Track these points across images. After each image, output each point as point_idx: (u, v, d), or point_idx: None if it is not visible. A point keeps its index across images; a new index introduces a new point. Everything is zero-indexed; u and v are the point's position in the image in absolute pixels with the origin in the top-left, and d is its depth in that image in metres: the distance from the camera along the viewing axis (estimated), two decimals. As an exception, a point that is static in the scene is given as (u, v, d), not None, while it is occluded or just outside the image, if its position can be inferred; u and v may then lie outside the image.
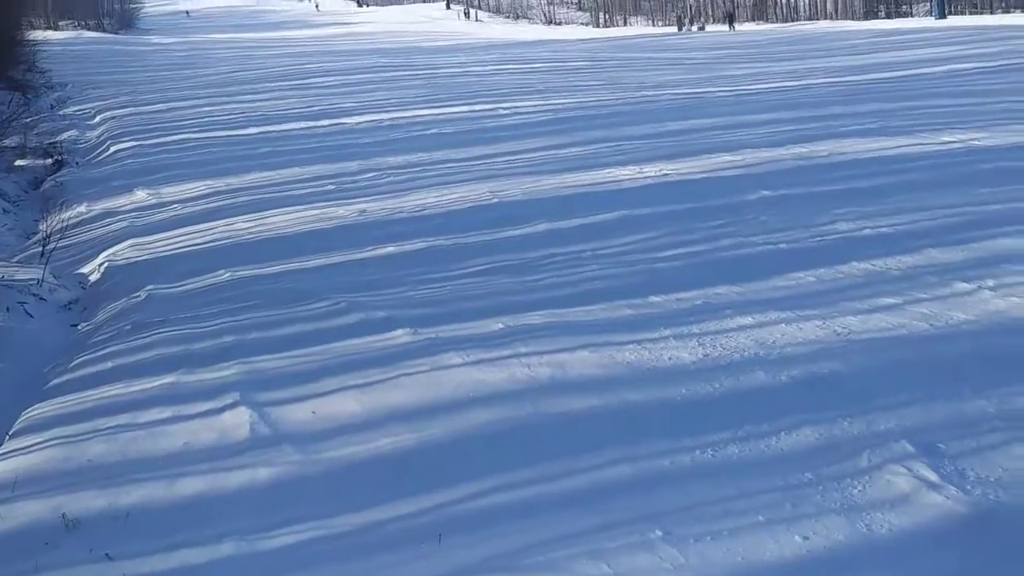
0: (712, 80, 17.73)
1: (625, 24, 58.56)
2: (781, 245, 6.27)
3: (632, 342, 4.73)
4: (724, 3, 48.75)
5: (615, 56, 26.80)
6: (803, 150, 9.43)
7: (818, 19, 47.06)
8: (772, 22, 48.84)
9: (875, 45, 25.45)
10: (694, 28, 45.97)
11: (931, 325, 4.74)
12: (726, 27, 44.30)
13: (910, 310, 4.95)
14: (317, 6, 59.18)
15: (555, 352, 4.64)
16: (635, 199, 7.87)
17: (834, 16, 47.77)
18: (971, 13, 41.93)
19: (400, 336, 5.02)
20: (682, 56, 25.76)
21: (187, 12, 71.85)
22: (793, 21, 48.15)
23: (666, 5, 56.36)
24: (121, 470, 3.65)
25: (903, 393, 3.99)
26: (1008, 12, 41.07)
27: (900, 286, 5.31)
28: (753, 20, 50.30)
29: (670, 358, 4.55)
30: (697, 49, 28.89)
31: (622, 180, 8.71)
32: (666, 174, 8.79)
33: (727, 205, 7.39)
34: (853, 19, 45.26)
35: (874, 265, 5.72)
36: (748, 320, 4.96)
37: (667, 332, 4.86)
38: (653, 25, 55.34)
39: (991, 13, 42.05)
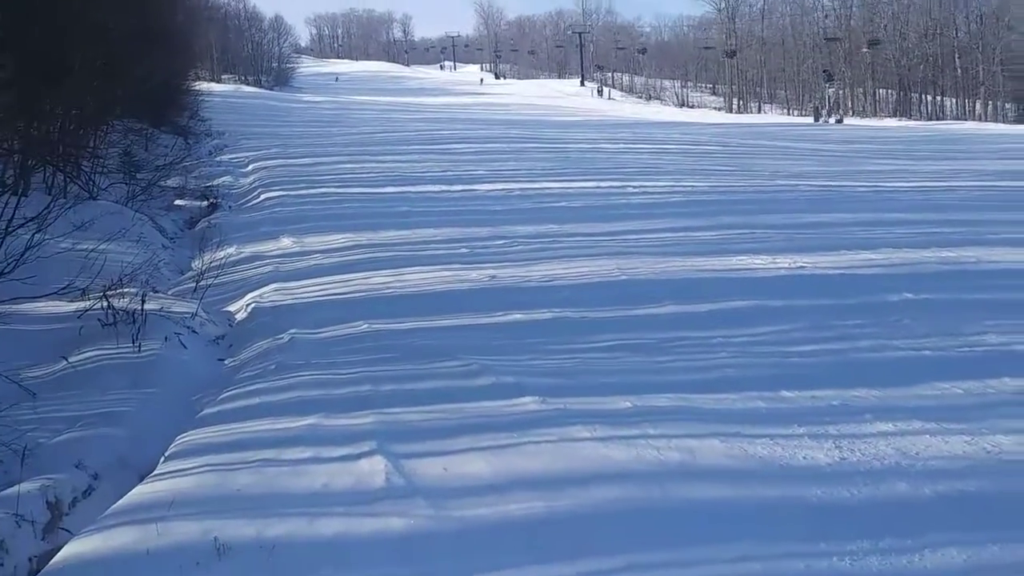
0: (851, 174, 17.35)
1: (759, 111, 58.32)
2: (925, 352, 6.02)
3: (764, 436, 4.64)
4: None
5: (748, 142, 26.68)
6: (949, 254, 9.07)
7: (965, 120, 45.45)
8: (916, 119, 47.47)
9: (1028, 150, 24.29)
10: (831, 119, 45.22)
11: (1095, 453, 4.43)
12: (872, 120, 43.33)
13: (1070, 435, 4.64)
14: (482, 80, 62.34)
15: (684, 437, 4.60)
16: (768, 289, 7.75)
17: (983, 118, 45.98)
18: None
19: (529, 403, 5.10)
20: (819, 147, 25.37)
21: (336, 77, 76.92)
22: (938, 120, 46.66)
23: (803, 95, 55.83)
24: (267, 503, 3.85)
25: (1063, 524, 3.73)
26: None
27: (1059, 409, 5.00)
28: (895, 116, 49.08)
29: (805, 457, 4.42)
30: (835, 141, 28.38)
31: (755, 269, 8.61)
32: (802, 266, 8.63)
33: (867, 304, 7.18)
34: (1004, 122, 43.44)
35: (1028, 383, 5.41)
36: (889, 427, 4.78)
37: (801, 430, 4.74)
38: (788, 114, 54.86)
39: None
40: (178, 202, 15.10)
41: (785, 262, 8.82)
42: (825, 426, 4.78)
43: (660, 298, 7.51)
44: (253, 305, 8.08)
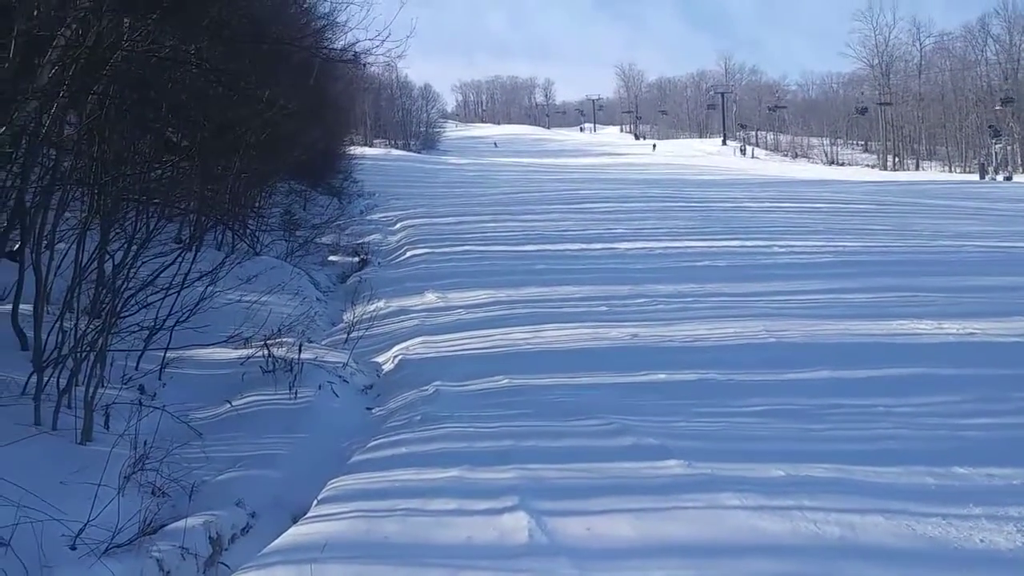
0: (1022, 235, 16.06)
1: (917, 168, 55.42)
2: (1122, 431, 5.39)
3: (935, 515, 4.26)
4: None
5: (905, 200, 25.31)
6: None
7: None
8: (1095, 176, 43.59)
9: None
10: (999, 177, 42.29)
11: None
12: None
13: None
14: (654, 146, 63.29)
15: (844, 512, 4.29)
16: (935, 356, 7.22)
17: None
18: None
19: (673, 467, 4.94)
20: (985, 206, 23.71)
21: (495, 143, 79.80)
22: (1122, 176, 42.65)
23: (966, 151, 52.68)
24: (413, 552, 3.90)
25: None
26: None
27: None
28: (1070, 172, 45.31)
29: (982, 540, 4.02)
30: (1004, 200, 26.45)
31: (919, 334, 8.06)
32: (972, 333, 8.00)
33: (1050, 375, 6.54)
34: None
35: None
36: (1080, 511, 4.27)
37: (977, 511, 4.32)
38: (950, 171, 51.81)
39: None
40: (332, 258, 16.00)
41: (953, 328, 8.21)
42: (1005, 507, 4.33)
43: (813, 363, 7.14)
44: (400, 357, 8.35)
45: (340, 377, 7.54)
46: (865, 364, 7.02)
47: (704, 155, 65.25)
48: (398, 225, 20.47)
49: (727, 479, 4.72)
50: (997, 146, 45.76)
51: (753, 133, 74.99)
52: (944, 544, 4.00)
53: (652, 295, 10.64)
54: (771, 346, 7.87)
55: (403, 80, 75.95)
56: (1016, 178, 42.08)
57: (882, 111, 58.92)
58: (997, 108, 50.69)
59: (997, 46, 53.62)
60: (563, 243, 16.17)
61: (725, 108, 76.14)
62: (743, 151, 68.08)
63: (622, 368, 7.29)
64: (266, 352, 7.36)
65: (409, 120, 77.16)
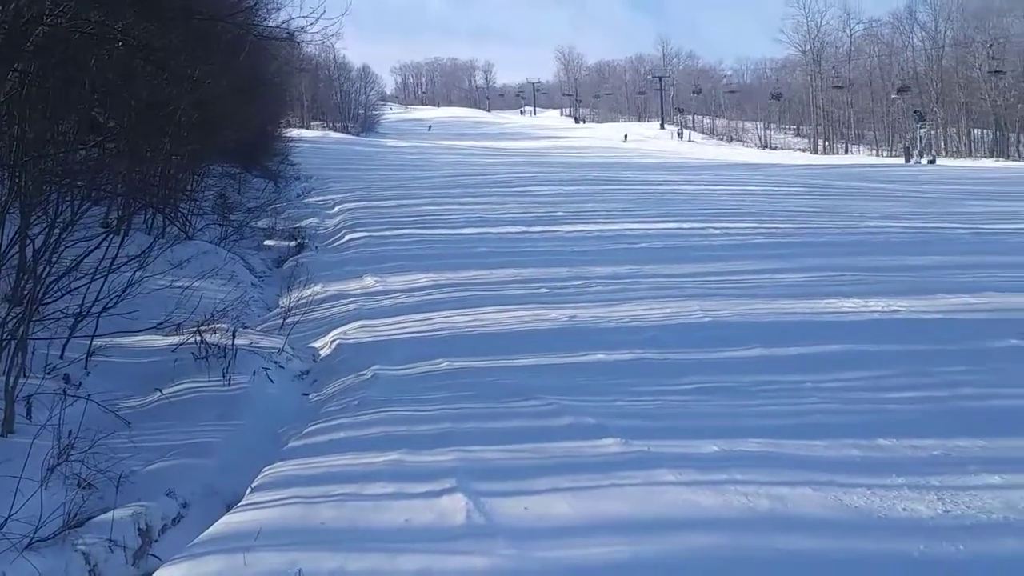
0: (946, 216, 16.70)
1: (846, 152, 57.02)
2: (1035, 401, 5.66)
3: (860, 486, 4.41)
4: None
5: (835, 183, 26.03)
6: (1059, 299, 8.57)
7: (1069, 158, 43.35)
8: (1014, 160, 45.53)
9: None
10: (924, 160, 43.80)
11: None
12: (967, 161, 41.93)
13: None
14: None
15: (775, 484, 4.41)
16: (860, 334, 7.46)
17: (1088, 156, 43.77)
18: None
19: (611, 445, 5.00)
20: (911, 188, 24.56)
21: (429, 126, 79.34)
22: (1038, 159, 44.64)
23: (892, 135, 54.37)
24: (350, 537, 3.87)
25: None
26: None
27: None
28: (992, 156, 47.21)
29: (904, 509, 4.18)
30: (928, 182, 27.43)
31: (846, 312, 8.31)
32: (896, 310, 8.29)
33: (969, 351, 6.82)
34: (1111, 161, 41.23)
35: None
36: (996, 479, 4.48)
37: (900, 480, 4.49)
38: (877, 155, 53.44)
39: None
40: (267, 242, 15.66)
41: (878, 305, 8.49)
42: (927, 477, 4.52)
43: (746, 341, 7.30)
44: (337, 341, 8.25)
45: (276, 363, 7.42)
46: (795, 342, 7.21)
47: (643, 139, 65.92)
48: (336, 208, 20.18)
49: (663, 455, 4.81)
50: (921, 130, 47.37)
51: (690, 117, 76.02)
52: (869, 513, 4.14)
53: (591, 277, 10.73)
54: (706, 325, 8.01)
55: (341, 61, 74.67)
56: (939, 161, 43.65)
57: (822, 95, 60.36)
58: (893, 96, 52.81)
59: (923, 32, 55.46)
60: (503, 226, 16.17)
61: (663, 92, 76.96)
62: (680, 135, 69.00)
63: (561, 349, 7.34)
64: (198, 338, 7.20)
65: (347, 102, 75.91)
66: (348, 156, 41.24)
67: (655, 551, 3.72)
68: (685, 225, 15.44)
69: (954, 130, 52.18)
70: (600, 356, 7.09)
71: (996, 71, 46.36)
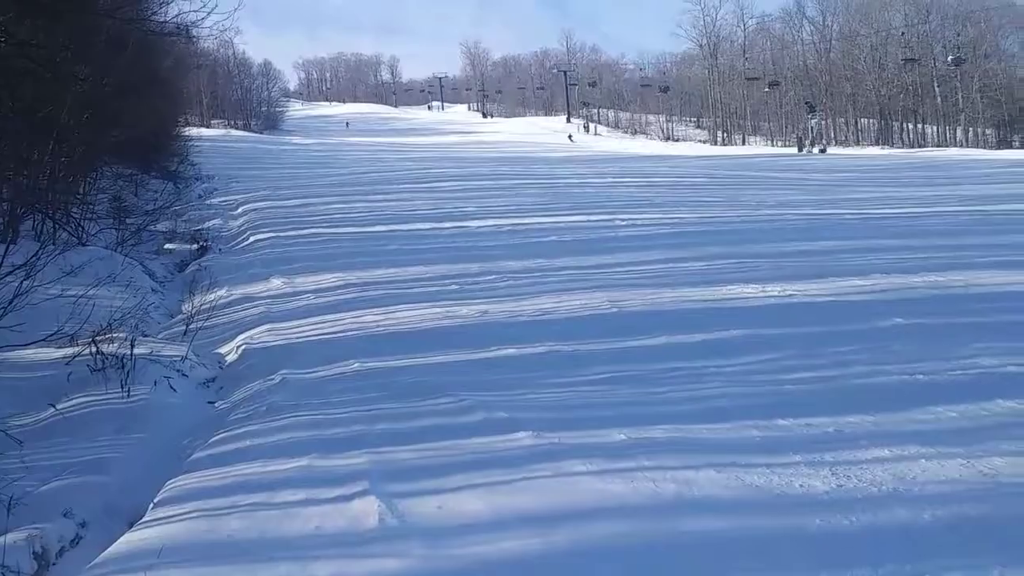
0: (836, 202, 17.52)
1: (744, 143, 59.05)
2: (919, 376, 6.01)
3: (760, 465, 4.60)
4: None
5: (734, 174, 26.95)
6: (938, 279, 9.12)
7: (946, 146, 46.12)
8: (897, 148, 48.12)
9: (1011, 176, 24.61)
10: (815, 150, 45.81)
11: (1090, 475, 4.41)
12: (855, 149, 44.09)
13: (1065, 456, 4.62)
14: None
15: (680, 468, 4.56)
16: (759, 318, 7.77)
17: (963, 144, 46.68)
18: (1116, 146, 40.14)
19: (523, 439, 5.06)
20: (803, 177, 25.65)
21: (347, 124, 77.66)
22: (919, 147, 47.33)
23: (786, 126, 56.62)
24: (258, 547, 3.79)
25: (1063, 546, 3.70)
26: None
27: (1053, 429, 4.99)
28: (877, 145, 49.74)
29: (801, 485, 4.39)
30: (819, 171, 28.70)
31: (746, 298, 8.64)
32: (791, 295, 8.66)
33: (858, 331, 7.19)
34: (984, 148, 44.08)
35: (1022, 405, 5.40)
36: (885, 452, 4.75)
37: (797, 458, 4.71)
38: (772, 145, 55.54)
39: None
40: (168, 246, 15.11)
41: (775, 291, 8.85)
42: (821, 453, 4.75)
43: (652, 329, 7.50)
44: (244, 347, 8.04)
45: (179, 371, 7.18)
46: (698, 328, 7.45)
47: (551, 132, 66.57)
48: (240, 209, 19.62)
49: (573, 446, 4.89)
50: (813, 121, 49.56)
51: (595, 110, 77.20)
52: (768, 491, 4.33)
53: (502, 271, 10.80)
54: (614, 316, 8.18)
55: (241, 56, 72.45)
56: (829, 150, 45.75)
57: (720, 88, 62.21)
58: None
59: (812, 27, 57.93)
60: (413, 223, 16.08)
61: (568, 86, 77.85)
62: (586, 128, 69.98)
63: (473, 345, 7.36)
64: (94, 349, 6.89)
65: (249, 99, 73.74)
66: (251, 155, 40.12)
67: (566, 541, 3.79)
68: (593, 218, 15.71)
69: (842, 120, 54.74)
70: (511, 350, 7.15)
71: (909, 59, 48.58)
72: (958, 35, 49.23)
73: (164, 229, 15.84)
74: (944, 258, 10.32)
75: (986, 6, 50.03)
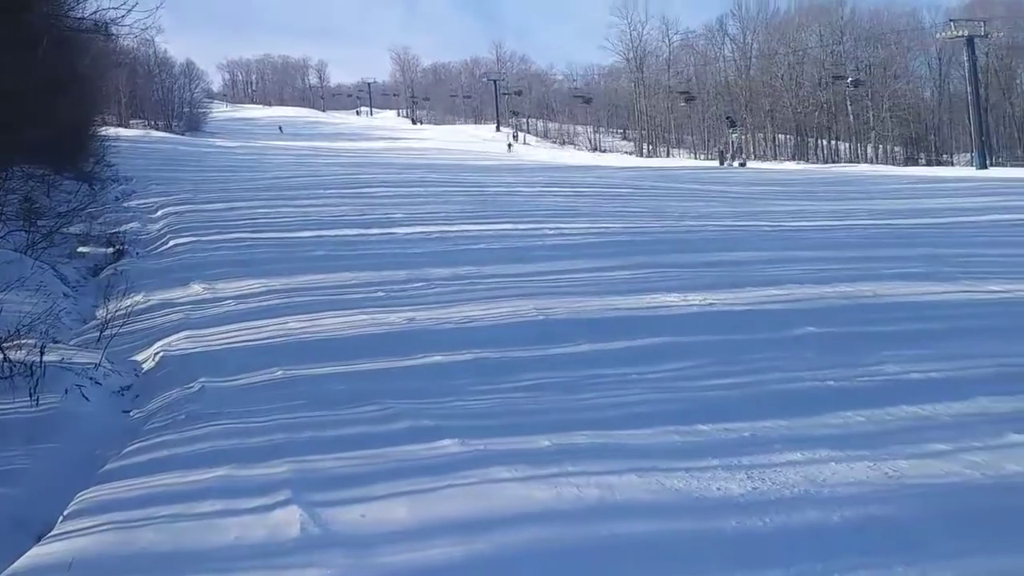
0: (755, 214, 18.11)
1: (668, 155, 60.43)
2: (829, 382, 6.27)
3: (680, 469, 4.72)
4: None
5: (658, 185, 27.56)
6: (848, 289, 9.52)
7: (857, 163, 48.18)
8: (812, 163, 50.01)
9: (917, 191, 25.91)
10: (735, 163, 47.23)
11: (984, 475, 4.66)
12: (773, 163, 45.61)
13: (962, 458, 4.87)
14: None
15: (603, 474, 4.64)
16: (680, 326, 7.97)
17: (874, 160, 48.88)
18: (1012, 165, 42.62)
19: (448, 446, 5.07)
20: (724, 189, 26.41)
21: (280, 128, 75.78)
22: (833, 163, 49.30)
23: (708, 140, 58.22)
24: (174, 560, 3.69)
25: (959, 541, 3.91)
26: (1049, 166, 41.66)
27: (951, 433, 5.25)
28: (793, 160, 51.57)
29: (719, 489, 4.52)
30: (739, 184, 29.60)
31: (668, 306, 8.84)
32: (711, 303, 8.91)
33: (773, 339, 7.45)
34: (893, 164, 46.23)
35: (924, 409, 5.67)
36: (797, 456, 4.93)
37: (715, 462, 4.84)
38: (695, 158, 57.02)
39: (1032, 167, 42.66)
40: (81, 249, 14.58)
41: (696, 299, 9.09)
42: (738, 457, 4.90)
43: (578, 337, 7.61)
44: (162, 354, 7.82)
45: (92, 379, 6.94)
46: (622, 336, 7.59)
47: (480, 140, 66.77)
48: (159, 212, 19.07)
49: (499, 453, 4.93)
50: (733, 135, 51.13)
51: (524, 120, 77.79)
52: (687, 495, 4.44)
53: (430, 279, 10.78)
54: (540, 323, 8.27)
55: (162, 56, 70.32)
56: (749, 164, 47.24)
57: (646, 101, 63.46)
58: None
59: (733, 44, 59.78)
60: (340, 228, 15.92)
61: (498, 95, 78.26)
62: (515, 137, 70.45)
63: (400, 352, 7.33)
64: (0, 356, 6.59)
65: (170, 99, 71.65)
66: (172, 156, 39.00)
67: (490, 548, 3.82)
68: (521, 226, 15.83)
69: (761, 135, 56.61)
70: (438, 357, 7.15)
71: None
72: (870, 56, 51.58)
73: (78, 232, 15.27)
74: (854, 269, 10.77)
75: (896, 28, 52.59)
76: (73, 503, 4.52)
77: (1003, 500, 4.40)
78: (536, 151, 59.40)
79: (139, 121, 64.11)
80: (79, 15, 10.98)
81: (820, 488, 4.50)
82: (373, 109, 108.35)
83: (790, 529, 4.10)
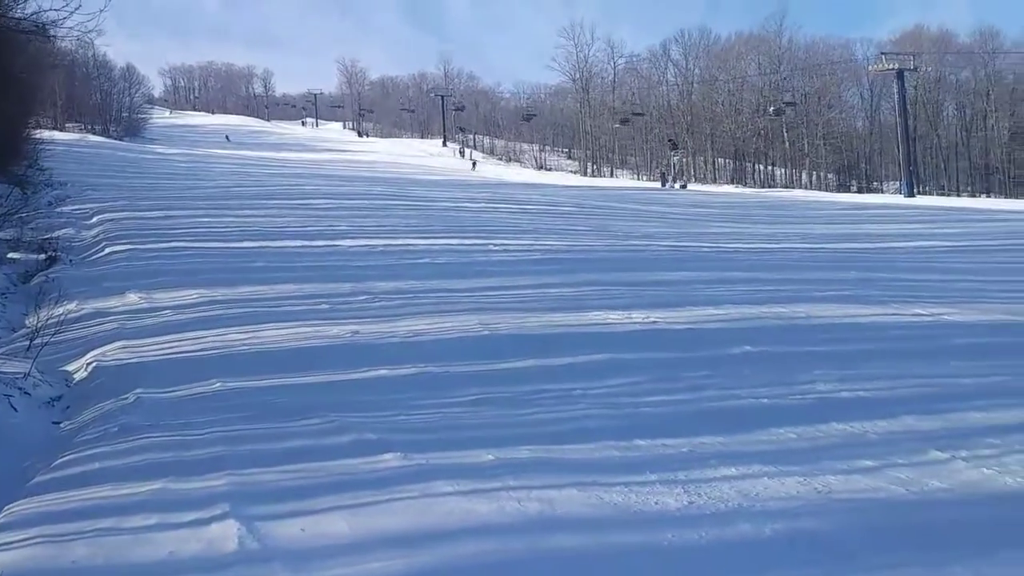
0: (696, 236, 18.51)
1: (612, 175, 61.30)
2: (763, 400, 6.46)
3: (619, 484, 4.81)
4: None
5: (603, 205, 27.92)
6: (783, 310, 9.81)
7: (792, 188, 49.68)
8: (749, 186, 51.36)
9: (848, 217, 26.82)
10: (677, 185, 48.19)
11: (908, 490, 4.87)
12: (712, 186, 46.69)
13: (888, 474, 5.08)
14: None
15: (544, 488, 4.70)
16: (622, 343, 8.10)
17: (808, 186, 50.47)
18: (938, 194, 44.52)
19: (390, 460, 5.06)
20: (666, 211, 26.92)
21: (227, 137, 74.05)
22: (769, 187, 50.72)
23: (651, 161, 59.33)
24: (106, 575, 3.61)
25: (883, 555, 4.08)
26: (973, 196, 43.63)
27: (878, 450, 5.47)
28: (732, 183, 52.89)
29: (656, 503, 4.62)
30: (680, 205, 30.21)
31: (610, 324, 8.98)
32: (653, 321, 9.08)
33: (712, 357, 7.64)
34: (826, 191, 47.80)
35: (852, 427, 5.89)
36: (732, 471, 5.07)
37: (653, 477, 4.95)
38: (638, 179, 58.00)
39: (956, 195, 44.67)
40: (12, 255, 14.08)
41: (638, 317, 9.25)
42: (675, 472, 5.01)
43: (521, 353, 7.67)
44: (95, 364, 7.61)
45: (20, 389, 6.73)
46: (565, 352, 7.69)
47: (426, 155, 66.72)
48: (95, 219, 18.52)
49: (441, 467, 4.94)
50: (675, 157, 52.22)
51: (471, 136, 78.06)
52: (626, 509, 4.53)
53: (374, 292, 10.72)
54: (485, 338, 8.31)
55: (102, 58, 68.41)
56: (690, 186, 48.27)
57: (591, 122, 64.29)
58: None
59: (676, 69, 61.15)
60: (283, 240, 15.71)
61: (446, 110, 78.41)
62: (463, 153, 70.62)
63: (343, 366, 7.29)
64: (-79, 366, 6.34)
65: (109, 103, 69.70)
66: (110, 162, 37.91)
67: (430, 561, 3.83)
68: (467, 241, 15.86)
69: (702, 158, 57.92)
70: (383, 371, 7.13)
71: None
72: (805, 85, 53.31)
73: (8, 237, 14.74)
74: (789, 291, 11.10)
75: (830, 59, 54.52)
76: (0, 516, 4.37)
77: (926, 515, 4.60)
78: (483, 167, 59.62)
79: (76, 125, 62.22)
80: (17, 15, 10.67)
81: (753, 502, 4.64)
82: (319, 120, 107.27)
83: (724, 542, 4.21)
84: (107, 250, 14.57)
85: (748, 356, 7.71)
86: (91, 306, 10.21)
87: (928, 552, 4.10)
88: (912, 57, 45.26)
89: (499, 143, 77.88)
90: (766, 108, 52.74)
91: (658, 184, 49.97)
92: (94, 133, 60.67)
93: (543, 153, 70.11)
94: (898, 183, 44.05)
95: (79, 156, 36.17)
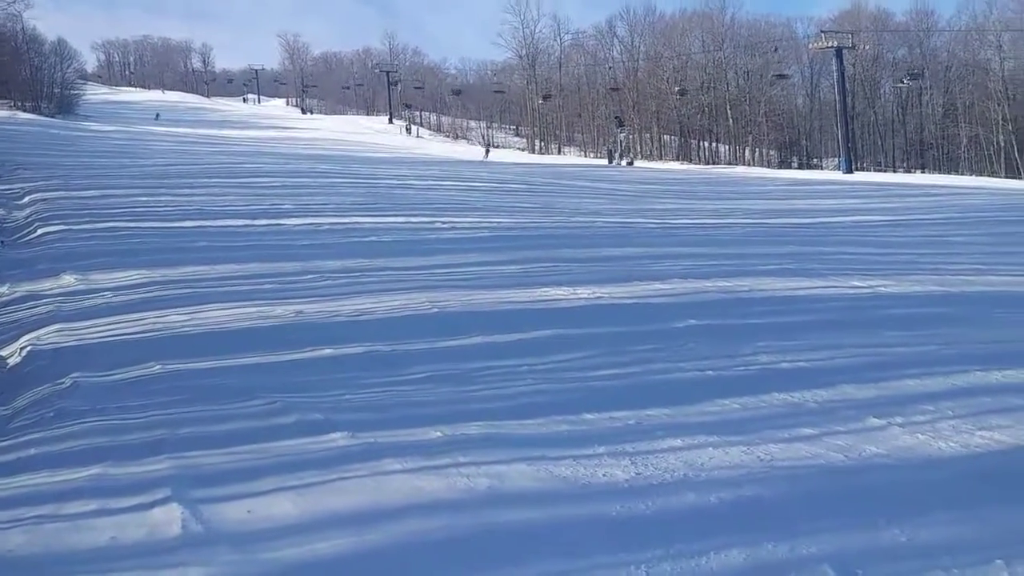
0: (641, 212, 18.67)
1: (559, 152, 61.37)
2: (708, 372, 6.57)
3: (568, 457, 4.85)
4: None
5: (550, 182, 27.97)
6: (726, 284, 9.98)
7: (736, 164, 50.44)
8: (695, 163, 51.99)
9: (789, 192, 27.36)
10: (623, 162, 48.49)
11: (846, 457, 5.01)
12: (658, 163, 47.07)
13: (827, 441, 5.22)
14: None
15: (493, 464, 4.71)
16: (569, 319, 8.15)
17: (751, 163, 51.30)
18: (875, 170, 45.72)
19: (338, 439, 5.02)
20: (613, 187, 27.09)
21: (158, 115, 71.52)
22: (714, 164, 51.41)
23: (598, 139, 59.52)
24: (43, 563, 3.51)
25: (823, 519, 4.19)
26: (909, 172, 44.95)
27: (817, 418, 5.61)
28: (677, 160, 53.44)
29: (604, 475, 4.67)
30: (626, 182, 30.42)
31: (557, 300, 9.02)
32: (599, 297, 9.15)
33: (657, 331, 7.73)
34: (768, 167, 48.69)
35: (793, 397, 6.03)
36: (678, 442, 5.15)
37: (601, 450, 5.00)
38: (585, 156, 58.17)
39: (893, 171, 45.94)
40: (-65, 238, 13.50)
41: (585, 293, 9.32)
42: (623, 444, 5.07)
43: (469, 329, 7.66)
44: (29, 348, 7.37)
45: (-52, 376, 6.46)
46: (513, 328, 7.70)
47: (372, 132, 65.83)
48: (27, 199, 17.87)
49: (389, 445, 4.92)
50: (621, 135, 52.50)
51: (417, 113, 77.23)
52: (574, 482, 4.57)
53: (319, 271, 10.59)
54: (433, 316, 8.28)
55: (31, 32, 65.56)
56: (636, 163, 48.63)
57: (538, 99, 64.13)
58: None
59: (621, 46, 61.29)
60: (225, 219, 15.41)
61: (391, 87, 77.37)
62: (409, 130, 69.89)
63: (288, 346, 7.18)
64: None
65: (39, 79, 66.89)
66: (42, 140, 36.56)
67: (380, 540, 3.81)
68: (414, 219, 15.75)
69: (648, 136, 58.35)
70: (328, 351, 7.05)
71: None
72: (748, 63, 53.99)
73: (-69, 219, 14.14)
74: (732, 265, 11.30)
75: (772, 37, 55.26)
76: (-73, 508, 4.21)
77: (864, 480, 4.74)
78: (429, 144, 59.14)
79: (5, 102, 59.70)
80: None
81: (699, 472, 4.72)
82: (261, 97, 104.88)
83: (671, 512, 4.28)
84: (40, 231, 14.08)
85: (693, 329, 7.82)
86: (24, 288, 9.88)
87: (866, 516, 4.23)
88: (850, 35, 46.14)
89: (446, 120, 77.23)
90: (710, 85, 53.30)
91: (605, 161, 50.21)
92: (24, 110, 58.36)
93: (490, 130, 69.76)
94: (837, 159, 45.08)
95: (9, 134, 34.88)
